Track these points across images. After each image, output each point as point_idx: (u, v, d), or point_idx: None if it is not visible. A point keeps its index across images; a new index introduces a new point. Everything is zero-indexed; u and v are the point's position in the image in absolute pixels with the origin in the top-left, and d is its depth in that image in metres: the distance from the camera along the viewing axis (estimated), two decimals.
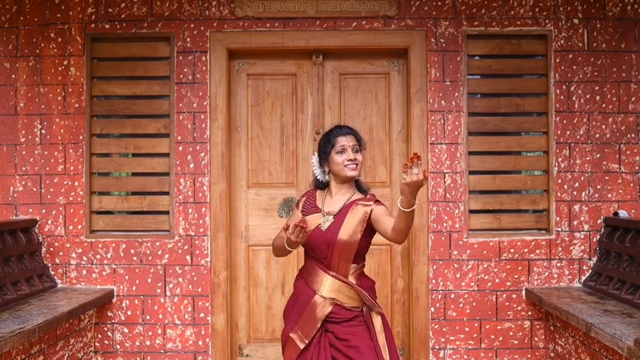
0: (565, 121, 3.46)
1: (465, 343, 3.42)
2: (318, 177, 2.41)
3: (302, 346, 2.23)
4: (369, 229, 2.29)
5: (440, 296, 3.43)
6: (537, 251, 3.43)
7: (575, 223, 3.45)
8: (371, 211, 2.27)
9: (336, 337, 2.25)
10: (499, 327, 3.43)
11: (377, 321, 2.30)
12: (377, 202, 2.33)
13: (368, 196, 2.37)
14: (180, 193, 3.45)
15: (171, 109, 3.47)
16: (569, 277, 3.44)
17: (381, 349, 2.24)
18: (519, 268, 3.43)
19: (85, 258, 3.44)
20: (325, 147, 2.35)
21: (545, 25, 3.47)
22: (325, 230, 2.28)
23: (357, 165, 2.31)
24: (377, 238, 3.61)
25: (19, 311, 2.77)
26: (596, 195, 3.45)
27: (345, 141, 2.31)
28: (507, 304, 3.43)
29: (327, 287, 2.26)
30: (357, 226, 2.26)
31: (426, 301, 3.43)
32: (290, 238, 2.16)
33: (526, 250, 3.43)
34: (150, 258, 3.44)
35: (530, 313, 3.42)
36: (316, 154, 2.43)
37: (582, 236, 3.44)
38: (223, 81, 3.47)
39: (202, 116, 3.46)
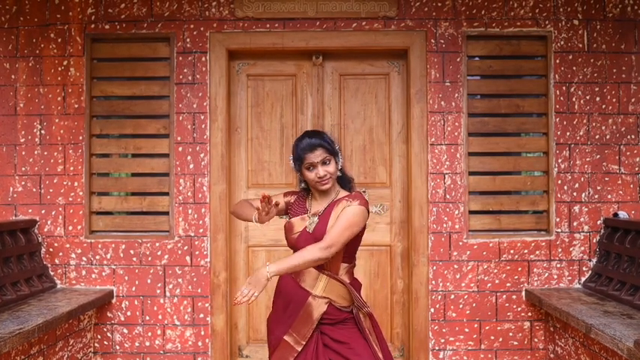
0: (565, 122, 3.46)
1: (464, 344, 3.42)
2: (300, 179, 2.38)
3: (299, 348, 2.20)
4: None
5: (440, 297, 3.43)
6: (537, 252, 3.43)
7: (575, 224, 3.44)
8: (345, 208, 2.23)
9: (330, 339, 2.25)
10: (499, 328, 3.43)
11: (366, 321, 2.31)
12: (357, 201, 2.25)
13: (353, 193, 2.31)
14: (179, 194, 3.45)
15: (171, 109, 3.47)
16: (569, 278, 3.43)
17: (375, 348, 2.26)
18: (519, 269, 3.43)
19: (84, 258, 3.44)
20: (296, 161, 2.29)
21: (545, 26, 3.47)
22: (312, 232, 2.26)
23: (329, 178, 2.25)
24: (378, 238, 3.60)
25: (18, 312, 2.76)
26: (596, 196, 3.45)
27: (312, 158, 2.23)
28: (507, 305, 3.43)
29: (322, 286, 2.25)
30: None
31: (425, 302, 3.43)
32: (261, 215, 2.21)
33: (526, 251, 3.43)
34: (149, 258, 3.44)
35: (530, 314, 3.42)
36: (292, 157, 2.36)
37: (582, 237, 3.44)
38: (223, 82, 3.47)
39: (202, 117, 3.46)
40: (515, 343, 3.42)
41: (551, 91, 3.46)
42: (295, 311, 2.25)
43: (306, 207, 2.36)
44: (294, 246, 2.31)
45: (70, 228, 3.45)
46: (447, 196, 3.45)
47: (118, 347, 3.43)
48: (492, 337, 3.42)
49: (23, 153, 3.46)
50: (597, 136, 3.46)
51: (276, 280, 2.45)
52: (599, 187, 3.45)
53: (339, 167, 2.31)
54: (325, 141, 2.27)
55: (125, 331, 3.43)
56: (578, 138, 3.46)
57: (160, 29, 3.47)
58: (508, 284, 3.43)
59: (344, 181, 2.38)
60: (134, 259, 3.44)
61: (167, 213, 3.48)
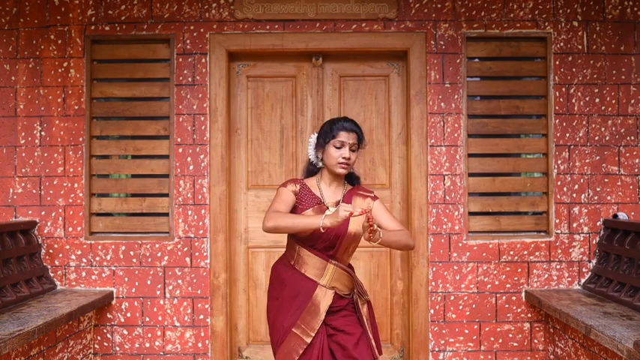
0: (564, 124, 3.46)
1: (464, 345, 3.42)
2: (313, 161, 2.41)
3: (308, 340, 2.22)
4: None
5: (439, 298, 3.43)
6: (537, 253, 3.44)
7: (574, 225, 3.45)
8: (372, 205, 2.35)
9: (332, 328, 2.29)
10: (498, 329, 3.43)
11: (363, 308, 2.36)
12: (373, 194, 2.41)
13: (362, 186, 2.44)
14: (179, 195, 3.45)
15: (171, 110, 3.47)
16: (569, 279, 3.44)
17: (370, 335, 2.33)
18: (519, 270, 3.43)
19: (84, 260, 3.44)
20: (326, 135, 2.32)
21: (545, 27, 3.47)
22: None
23: (349, 165, 2.31)
24: None
25: (18, 313, 2.77)
26: (596, 197, 3.45)
27: (346, 137, 2.29)
28: (507, 306, 3.43)
29: (329, 276, 2.28)
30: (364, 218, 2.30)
31: (425, 303, 3.43)
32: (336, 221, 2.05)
33: (525, 252, 3.43)
34: (149, 260, 3.44)
35: (529, 315, 3.42)
36: (316, 134, 2.41)
37: (582, 238, 3.44)
38: (223, 83, 3.47)
39: (202, 118, 3.46)
40: (515, 344, 3.42)
41: (550, 92, 3.46)
42: (303, 303, 2.27)
43: (318, 196, 2.35)
44: (318, 237, 2.26)
45: (70, 229, 3.45)
46: (447, 198, 3.45)
47: (117, 348, 3.43)
48: (492, 338, 3.42)
49: (23, 154, 3.47)
50: (597, 138, 3.46)
51: (271, 271, 2.47)
52: (598, 189, 3.45)
53: None
54: (361, 132, 2.35)
55: (125, 332, 3.43)
56: (577, 139, 3.46)
57: (160, 31, 3.47)
58: (508, 285, 3.43)
59: (352, 178, 2.45)
60: (134, 260, 3.44)
61: (167, 214, 3.49)
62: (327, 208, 2.31)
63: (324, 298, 2.26)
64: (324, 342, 2.25)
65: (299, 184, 2.37)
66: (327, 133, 2.32)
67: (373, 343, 2.32)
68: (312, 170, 2.43)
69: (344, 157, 2.28)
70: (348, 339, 2.28)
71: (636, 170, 3.45)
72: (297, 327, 2.25)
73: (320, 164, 2.38)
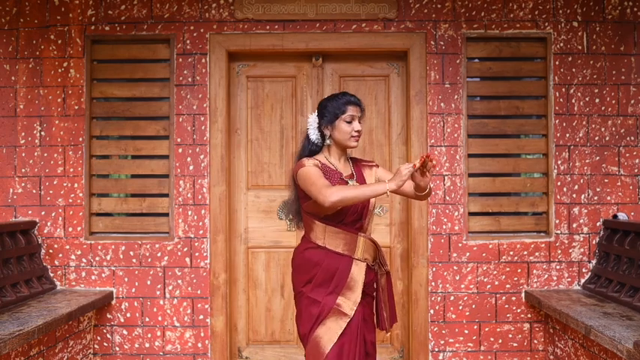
0: (564, 124, 3.46)
1: (464, 346, 3.42)
2: (315, 140, 2.40)
3: (351, 314, 2.25)
4: None
5: (439, 298, 3.43)
6: (537, 254, 3.44)
7: (574, 225, 3.45)
8: (376, 172, 2.47)
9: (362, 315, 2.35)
10: (498, 329, 3.43)
11: (382, 280, 2.41)
12: (377, 164, 2.53)
13: (361, 158, 2.59)
14: (179, 195, 3.45)
15: (171, 111, 3.47)
16: (569, 279, 3.44)
17: (383, 314, 2.40)
18: (519, 270, 3.43)
19: (84, 260, 3.44)
20: (335, 111, 2.33)
21: (545, 27, 3.47)
22: None
23: (359, 137, 2.38)
24: (377, 240, 3.61)
25: (18, 313, 2.77)
26: (596, 197, 3.45)
27: (354, 111, 2.33)
28: (507, 306, 3.43)
29: (361, 249, 2.33)
30: None
31: (425, 304, 3.43)
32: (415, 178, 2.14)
33: (525, 252, 3.44)
34: (149, 260, 3.44)
35: (529, 315, 3.42)
36: (315, 114, 2.41)
37: (582, 239, 3.44)
38: (223, 83, 3.47)
39: (202, 118, 3.47)
40: (515, 344, 3.42)
41: (550, 92, 3.46)
42: (342, 279, 2.30)
43: (337, 170, 2.38)
44: (347, 211, 2.29)
45: (70, 229, 3.45)
46: (447, 198, 3.45)
47: (117, 349, 3.43)
48: (492, 339, 3.42)
49: (23, 154, 3.47)
50: (597, 138, 3.46)
51: (296, 259, 2.44)
52: (598, 189, 3.45)
53: None
54: (362, 103, 2.41)
55: (125, 332, 3.43)
56: (577, 139, 3.46)
57: (160, 31, 3.47)
58: (508, 286, 3.43)
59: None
60: (134, 260, 3.44)
61: (167, 214, 3.49)
62: (347, 182, 2.34)
63: (360, 272, 2.30)
64: (360, 320, 2.29)
65: (314, 160, 2.36)
66: (335, 109, 2.34)
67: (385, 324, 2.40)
68: (313, 150, 2.43)
69: (356, 131, 2.34)
70: (368, 335, 2.34)
71: (636, 170, 3.45)
72: (338, 303, 2.28)
73: (328, 141, 2.38)
